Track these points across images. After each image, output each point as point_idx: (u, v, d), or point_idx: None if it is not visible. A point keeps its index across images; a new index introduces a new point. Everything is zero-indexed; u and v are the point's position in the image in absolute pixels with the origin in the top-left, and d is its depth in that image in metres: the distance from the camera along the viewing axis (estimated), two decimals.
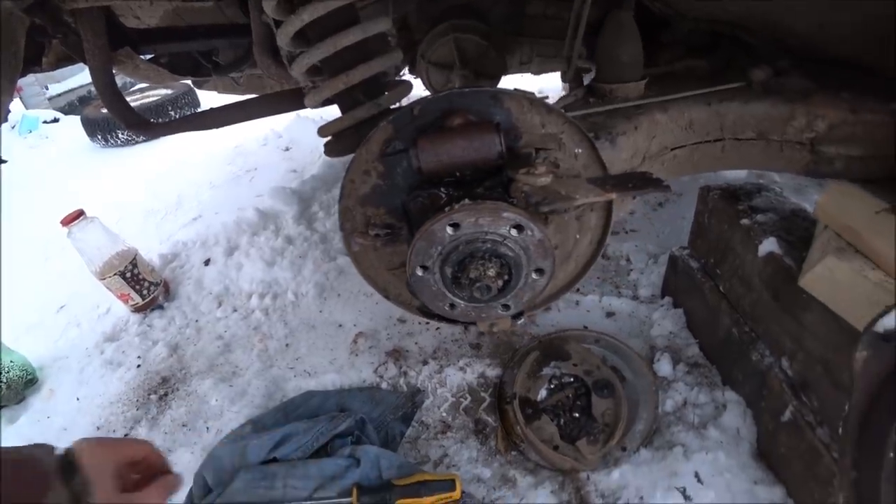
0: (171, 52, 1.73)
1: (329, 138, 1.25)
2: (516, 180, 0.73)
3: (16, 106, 7.69)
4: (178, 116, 4.53)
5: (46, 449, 0.69)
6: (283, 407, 1.55)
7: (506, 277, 0.78)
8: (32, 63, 1.71)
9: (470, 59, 1.71)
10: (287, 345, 1.89)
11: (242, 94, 2.25)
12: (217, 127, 1.79)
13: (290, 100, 1.68)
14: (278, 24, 1.06)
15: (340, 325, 1.92)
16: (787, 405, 1.33)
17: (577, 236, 0.95)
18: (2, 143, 5.16)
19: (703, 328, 1.76)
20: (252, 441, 1.32)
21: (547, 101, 0.81)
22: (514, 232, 0.74)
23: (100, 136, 4.39)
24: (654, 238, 2.27)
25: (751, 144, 1.20)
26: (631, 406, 1.54)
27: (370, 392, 1.62)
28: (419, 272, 0.78)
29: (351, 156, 1.18)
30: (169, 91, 4.63)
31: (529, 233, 0.74)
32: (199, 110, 1.75)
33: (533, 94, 0.80)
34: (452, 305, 0.85)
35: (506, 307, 0.86)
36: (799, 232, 1.46)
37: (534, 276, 0.81)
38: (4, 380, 1.83)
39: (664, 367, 1.68)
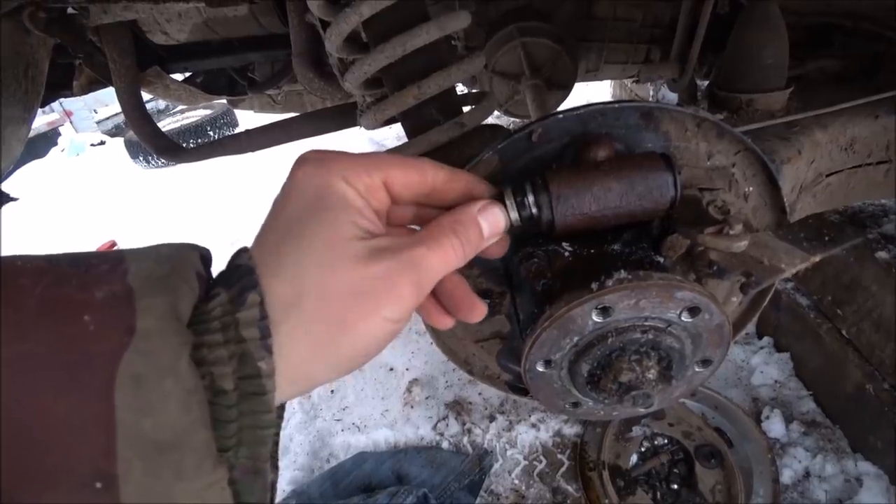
0: (203, 69, 1.57)
1: None
2: (698, 243, 0.50)
3: (67, 130, 7.94)
4: (217, 137, 4.47)
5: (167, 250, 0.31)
6: (332, 474, 1.35)
7: (669, 377, 0.54)
8: (62, 87, 1.58)
9: (540, 66, 1.49)
10: (332, 391, 1.69)
11: (281, 112, 2.09)
12: (254, 150, 1.62)
13: (337, 118, 1.49)
14: (326, 26, 0.86)
15: (392, 369, 1.71)
16: None
17: (734, 299, 0.72)
18: (49, 165, 5.25)
19: (819, 379, 1.49)
20: None
21: (719, 119, 0.58)
22: (685, 316, 0.50)
23: (141, 158, 4.39)
24: None
25: None
26: (744, 478, 1.28)
27: (429, 454, 1.41)
28: (540, 368, 0.56)
29: None
30: (208, 112, 4.59)
31: (707, 316, 0.50)
32: (234, 132, 1.59)
33: (700, 109, 0.57)
34: (576, 404, 0.61)
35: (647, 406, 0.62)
36: None
37: (697, 368, 0.58)
38: None
39: (775, 426, 1.42)
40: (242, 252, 0.32)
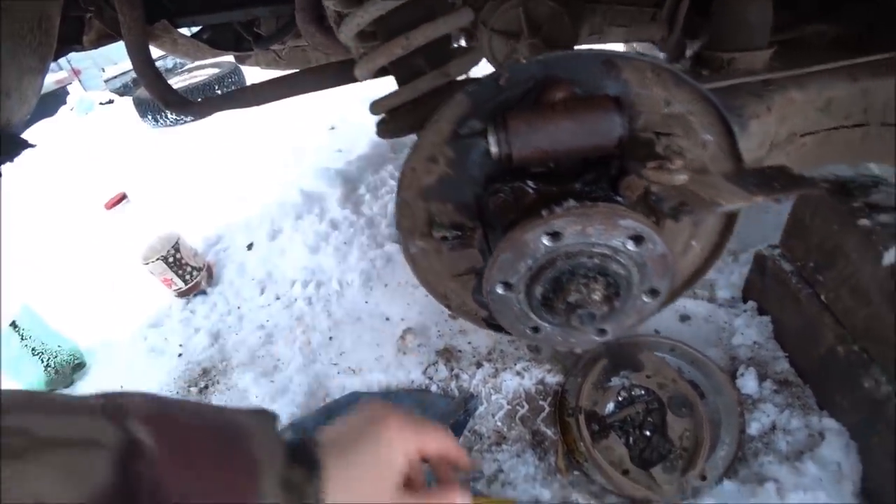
0: (211, 23, 1.61)
1: (382, 116, 1.10)
2: (641, 176, 0.55)
3: (75, 88, 7.94)
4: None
5: (264, 420, 0.50)
6: (327, 409, 1.45)
7: (612, 300, 0.61)
8: (72, 42, 1.62)
9: (540, 26, 1.51)
10: (331, 338, 1.79)
11: (285, 69, 2.12)
12: (260, 104, 1.67)
13: (338, 73, 1.53)
14: None
15: (387, 319, 1.79)
16: None
17: (693, 243, 0.77)
18: (58, 124, 5.32)
19: (796, 341, 1.54)
20: None
21: (678, 69, 0.63)
22: (630, 245, 0.56)
23: (150, 117, 4.41)
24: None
25: None
26: (712, 428, 1.36)
27: (419, 395, 1.50)
28: (499, 290, 0.62)
29: (409, 137, 1.03)
30: (216, 70, 4.60)
31: (651, 246, 0.57)
32: (242, 87, 1.64)
33: (659, 59, 0.62)
34: (536, 329, 0.69)
35: (602, 332, 0.69)
36: None
37: (645, 298, 0.64)
38: (53, 364, 1.81)
39: (749, 383, 1.49)
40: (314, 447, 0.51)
